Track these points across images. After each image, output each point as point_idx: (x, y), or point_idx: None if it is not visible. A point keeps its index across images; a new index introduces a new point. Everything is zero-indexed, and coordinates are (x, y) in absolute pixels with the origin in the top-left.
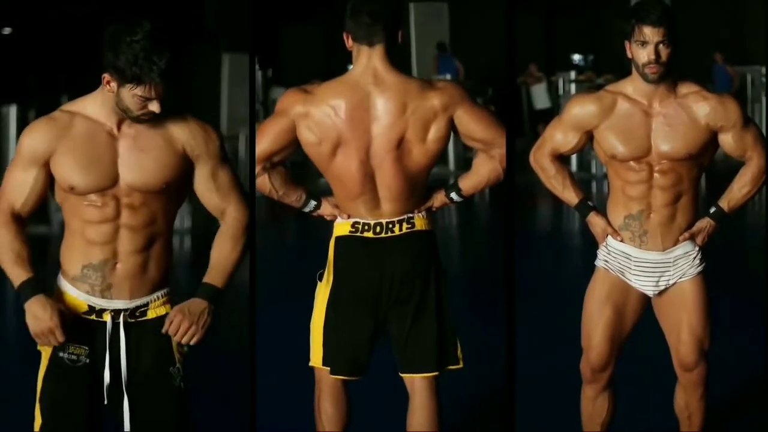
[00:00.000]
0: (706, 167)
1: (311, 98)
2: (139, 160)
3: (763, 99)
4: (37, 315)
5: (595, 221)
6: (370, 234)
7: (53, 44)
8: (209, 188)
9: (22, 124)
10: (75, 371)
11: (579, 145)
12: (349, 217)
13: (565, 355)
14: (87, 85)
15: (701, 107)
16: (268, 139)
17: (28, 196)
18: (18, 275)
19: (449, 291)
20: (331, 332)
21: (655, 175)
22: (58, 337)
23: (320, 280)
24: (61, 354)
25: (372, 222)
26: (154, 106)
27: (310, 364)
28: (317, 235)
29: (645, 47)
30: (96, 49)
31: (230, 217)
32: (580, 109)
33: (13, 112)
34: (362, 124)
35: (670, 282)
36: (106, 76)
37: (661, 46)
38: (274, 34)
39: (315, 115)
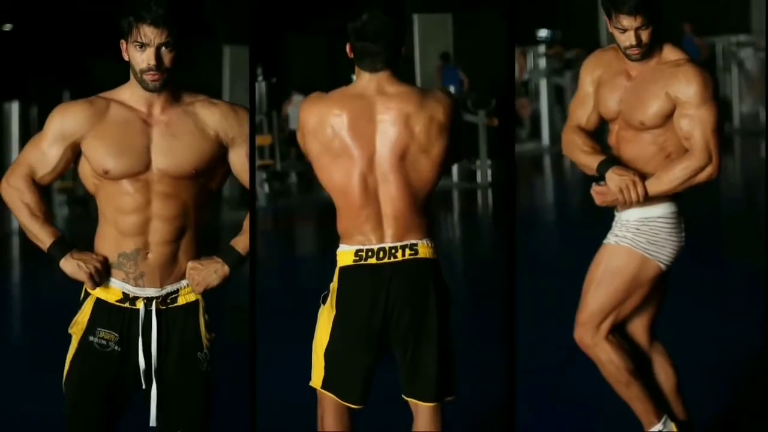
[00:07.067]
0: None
1: (316, 110)
2: (171, 146)
3: (734, 68)
4: (74, 273)
5: (611, 176)
6: (373, 260)
7: (55, 40)
8: (247, 168)
9: (24, 121)
10: (103, 356)
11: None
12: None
13: (567, 371)
14: (89, 82)
15: (667, 73)
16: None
17: (51, 170)
18: (46, 236)
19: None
20: (335, 360)
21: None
22: (102, 278)
23: (323, 303)
24: (91, 338)
25: (375, 247)
26: (149, 55)
27: (311, 384)
28: (321, 245)
29: (625, 33)
30: (97, 45)
31: None
32: (585, 69)
33: (15, 108)
34: (365, 135)
35: None
36: (123, 42)
37: (640, 31)
38: (278, 41)
39: (318, 127)
